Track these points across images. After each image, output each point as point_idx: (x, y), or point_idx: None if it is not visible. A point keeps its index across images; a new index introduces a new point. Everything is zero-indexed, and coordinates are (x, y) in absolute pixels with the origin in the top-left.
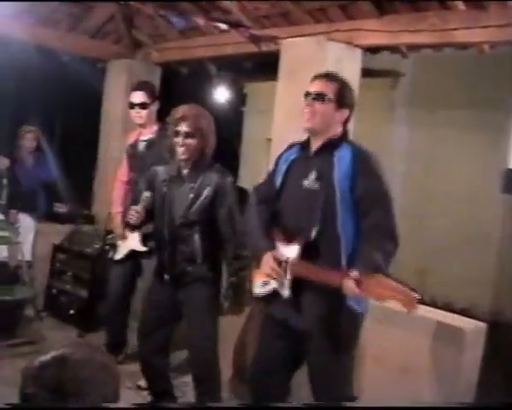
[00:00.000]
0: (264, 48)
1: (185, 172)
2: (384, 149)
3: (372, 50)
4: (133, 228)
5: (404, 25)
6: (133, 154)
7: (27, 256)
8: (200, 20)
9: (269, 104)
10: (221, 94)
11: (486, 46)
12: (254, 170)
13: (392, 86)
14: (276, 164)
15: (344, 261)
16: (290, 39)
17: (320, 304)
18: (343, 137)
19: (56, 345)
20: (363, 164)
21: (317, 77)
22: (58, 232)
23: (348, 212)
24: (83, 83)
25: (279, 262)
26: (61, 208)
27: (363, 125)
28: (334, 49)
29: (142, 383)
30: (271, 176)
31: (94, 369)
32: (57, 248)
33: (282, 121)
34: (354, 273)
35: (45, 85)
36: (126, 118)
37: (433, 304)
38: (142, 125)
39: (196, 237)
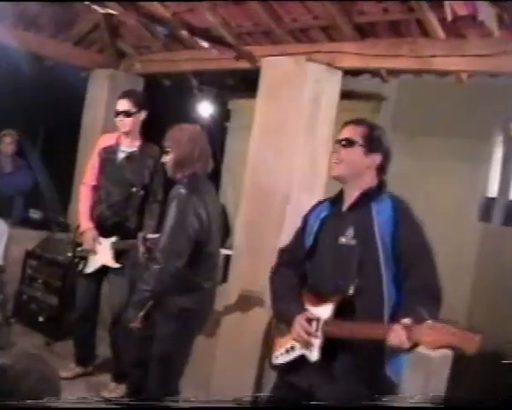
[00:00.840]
0: (245, 65)
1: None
2: None
3: (352, 73)
4: (106, 235)
5: (385, 49)
6: (108, 160)
7: None
8: (184, 34)
9: (253, 121)
10: (204, 109)
11: (465, 75)
12: (236, 186)
13: (374, 110)
14: (305, 222)
15: (386, 318)
16: (270, 58)
17: (355, 374)
18: (380, 188)
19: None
20: (406, 218)
21: (345, 123)
22: (31, 238)
23: (390, 267)
24: (66, 89)
25: (310, 323)
26: (35, 214)
27: None
28: (313, 69)
29: (106, 393)
30: (299, 236)
31: (34, 380)
32: (29, 255)
33: (258, 139)
34: (404, 320)
35: (28, 90)
36: (107, 127)
37: None
38: (126, 134)
39: None
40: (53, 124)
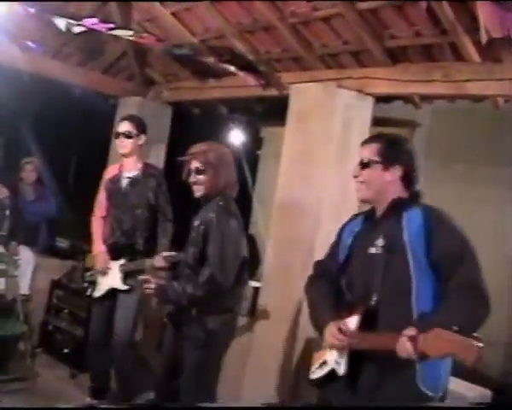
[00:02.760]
0: (274, 92)
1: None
2: None
3: (384, 99)
4: (115, 258)
5: (417, 74)
6: (114, 189)
7: (25, 290)
8: (212, 60)
9: None
10: (236, 137)
11: (501, 100)
12: (267, 214)
13: (408, 137)
14: (339, 236)
15: None
16: (300, 84)
17: (384, 390)
18: (411, 200)
19: (48, 383)
20: (437, 223)
21: (361, 143)
22: (58, 267)
23: (424, 276)
24: (95, 118)
25: (343, 333)
26: (62, 243)
27: None
28: (344, 96)
29: None
30: (334, 249)
31: None
32: (55, 284)
33: (288, 167)
34: (408, 331)
35: (58, 118)
36: None
37: None
38: (126, 156)
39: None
40: (83, 153)
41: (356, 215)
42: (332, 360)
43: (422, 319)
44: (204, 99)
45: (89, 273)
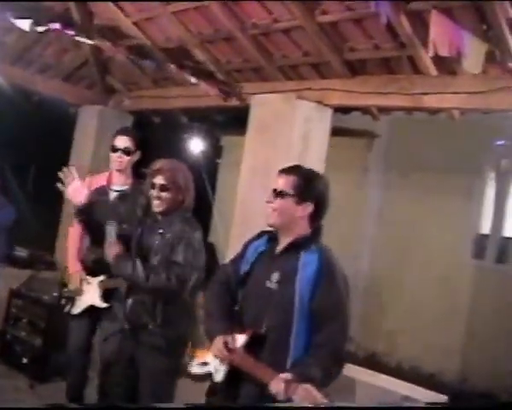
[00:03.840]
0: (235, 102)
1: (159, 217)
2: (356, 212)
3: (342, 110)
4: (94, 274)
5: (375, 87)
6: (100, 200)
7: None
8: (172, 69)
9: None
10: (196, 145)
11: (457, 112)
12: (227, 223)
13: (366, 147)
14: (245, 249)
15: (288, 365)
16: (260, 95)
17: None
18: (312, 238)
19: (6, 394)
20: (328, 278)
21: (280, 172)
22: (17, 277)
23: (303, 319)
24: (54, 125)
25: (228, 348)
26: (21, 252)
27: (336, 186)
28: (303, 107)
29: None
30: (237, 260)
31: None
32: (14, 294)
33: (248, 177)
34: (285, 375)
35: (17, 126)
36: (95, 164)
37: (399, 368)
38: (120, 171)
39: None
40: (42, 161)
41: (262, 233)
42: (212, 365)
43: (295, 366)
44: (165, 108)
45: (66, 290)
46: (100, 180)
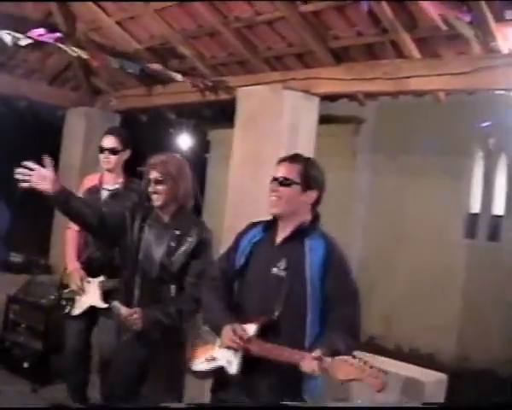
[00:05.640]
0: (221, 96)
1: (166, 218)
2: (346, 196)
3: (329, 98)
4: (93, 275)
5: (360, 73)
6: (93, 200)
7: None
8: (157, 67)
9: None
10: (183, 141)
11: (442, 94)
12: (217, 217)
13: (354, 132)
14: (237, 243)
15: (307, 345)
16: (246, 88)
17: (272, 393)
18: (314, 224)
19: (9, 400)
20: (337, 261)
21: (282, 160)
22: (13, 282)
23: (316, 302)
24: (43, 129)
25: (241, 338)
26: (16, 258)
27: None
28: (290, 97)
29: None
30: (230, 254)
31: None
32: (11, 299)
33: (237, 169)
34: (317, 352)
35: (4, 131)
36: (84, 166)
37: (398, 350)
38: (110, 171)
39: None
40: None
41: (254, 224)
42: (223, 359)
43: (320, 343)
44: (151, 106)
45: (66, 291)
46: (92, 180)
